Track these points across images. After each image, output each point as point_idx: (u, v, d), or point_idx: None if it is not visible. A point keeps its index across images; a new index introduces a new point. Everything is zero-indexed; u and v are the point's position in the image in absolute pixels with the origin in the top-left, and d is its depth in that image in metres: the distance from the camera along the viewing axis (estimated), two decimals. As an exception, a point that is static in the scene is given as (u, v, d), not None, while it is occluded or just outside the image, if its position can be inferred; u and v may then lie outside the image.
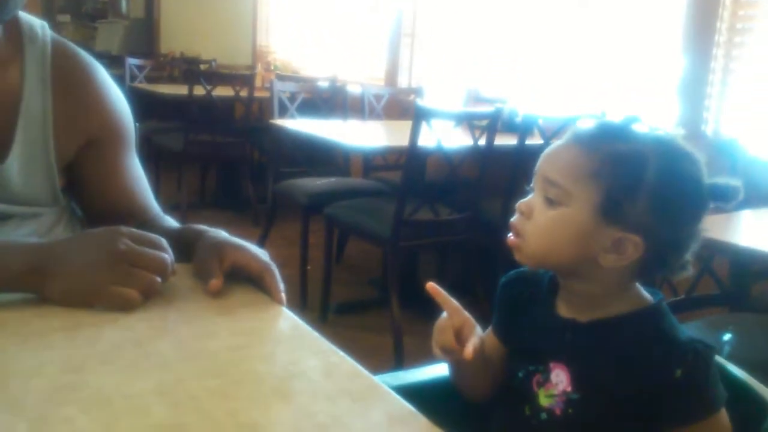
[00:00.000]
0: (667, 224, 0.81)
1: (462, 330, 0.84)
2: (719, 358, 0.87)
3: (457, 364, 0.90)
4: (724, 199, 0.82)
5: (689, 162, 0.82)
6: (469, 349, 0.81)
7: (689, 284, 2.20)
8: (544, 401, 0.86)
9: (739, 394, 0.86)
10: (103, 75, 1.09)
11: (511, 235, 0.87)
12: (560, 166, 0.83)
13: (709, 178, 0.82)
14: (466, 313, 0.85)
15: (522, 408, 0.88)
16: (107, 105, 1.08)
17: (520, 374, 0.89)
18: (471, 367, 0.88)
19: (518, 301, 0.94)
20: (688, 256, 0.84)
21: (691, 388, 0.78)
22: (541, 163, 0.86)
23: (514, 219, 0.87)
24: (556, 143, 0.86)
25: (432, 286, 0.84)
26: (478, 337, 0.84)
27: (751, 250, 1.55)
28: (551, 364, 0.86)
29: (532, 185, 0.87)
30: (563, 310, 0.88)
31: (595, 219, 0.81)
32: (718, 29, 2.91)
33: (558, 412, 0.85)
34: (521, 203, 0.86)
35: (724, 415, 0.80)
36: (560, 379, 0.85)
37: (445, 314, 0.85)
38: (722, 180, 0.81)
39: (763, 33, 2.85)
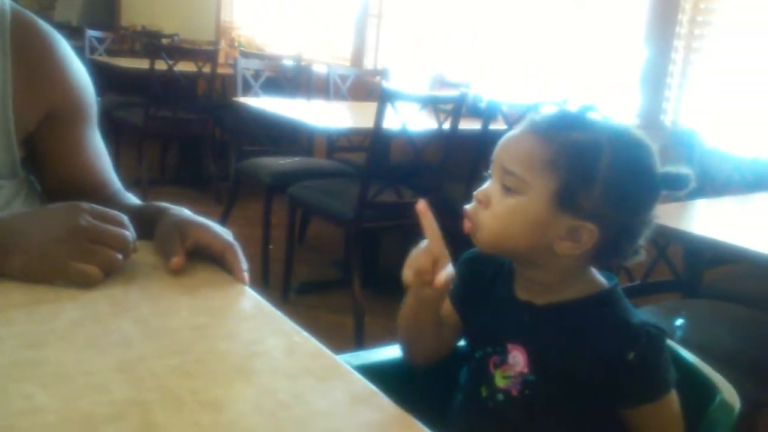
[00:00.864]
0: (621, 212, 0.83)
1: (437, 262, 0.83)
2: (671, 342, 0.90)
3: (419, 299, 0.89)
4: (676, 187, 0.84)
5: (642, 151, 0.84)
6: (441, 277, 0.81)
7: (645, 270, 2.25)
8: (500, 382, 0.88)
9: (689, 377, 0.89)
10: (65, 46, 1.07)
11: (466, 223, 0.87)
12: (517, 155, 0.84)
13: (661, 167, 0.84)
14: (444, 247, 0.84)
15: (478, 389, 0.90)
16: (68, 77, 1.06)
17: (477, 355, 0.90)
18: (428, 311, 0.89)
19: (479, 280, 0.95)
20: (641, 242, 0.86)
21: (643, 370, 0.81)
22: (498, 152, 0.87)
23: (469, 206, 0.87)
24: (512, 131, 0.87)
25: (422, 205, 0.81)
26: (450, 271, 0.83)
27: (705, 239, 1.60)
28: (509, 346, 0.88)
29: (490, 171, 0.88)
30: (521, 293, 0.90)
31: (551, 208, 0.82)
32: (680, 21, 2.96)
33: (514, 393, 0.87)
34: (478, 192, 0.87)
35: (674, 397, 0.82)
36: (517, 360, 0.87)
37: (425, 242, 0.83)
38: (674, 168, 0.84)
39: (723, 27, 2.90)
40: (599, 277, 0.89)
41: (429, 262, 0.82)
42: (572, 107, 0.86)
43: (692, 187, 0.84)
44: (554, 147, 0.82)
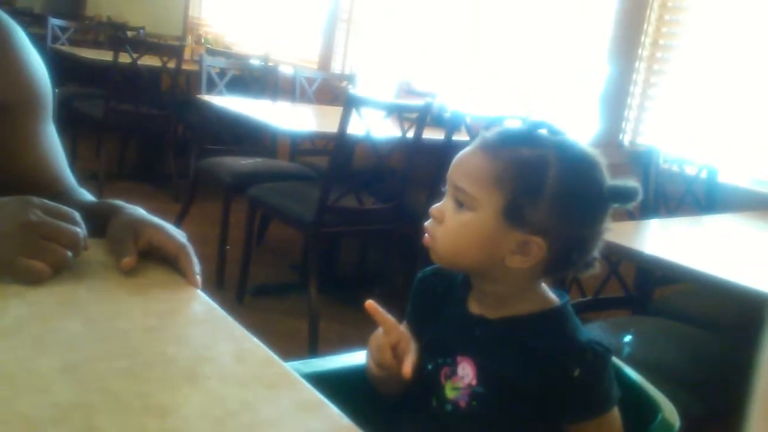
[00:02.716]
0: (569, 225, 0.84)
1: (398, 346, 0.87)
2: (616, 360, 0.92)
3: (390, 377, 0.91)
4: (624, 200, 0.85)
5: (589, 165, 0.86)
6: (408, 367, 0.85)
7: (597, 286, 2.29)
8: (450, 393, 0.89)
9: (632, 395, 0.91)
10: (21, 37, 1.04)
11: (426, 237, 0.89)
12: (467, 172, 0.86)
13: (610, 181, 0.86)
14: (403, 329, 0.89)
15: (429, 399, 0.91)
16: (24, 70, 1.03)
17: (430, 366, 0.91)
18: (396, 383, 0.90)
19: (432, 296, 0.96)
20: (595, 254, 0.88)
21: (587, 386, 0.83)
22: (451, 169, 0.89)
23: (427, 223, 0.89)
24: (465, 149, 0.89)
25: (370, 304, 0.87)
26: (414, 353, 0.87)
27: (655, 258, 1.63)
28: (458, 358, 0.89)
29: (446, 188, 0.89)
30: (474, 307, 0.91)
31: (500, 223, 0.84)
32: (642, 43, 3.02)
33: (462, 404, 0.88)
34: (434, 208, 0.89)
35: (616, 414, 0.84)
36: (466, 372, 0.88)
37: (380, 330, 0.88)
38: (621, 182, 0.85)
39: (684, 50, 2.98)
40: (551, 294, 0.91)
41: (390, 355, 0.87)
42: (523, 124, 0.88)
43: (639, 200, 0.85)
44: (501, 164, 0.84)
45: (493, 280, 0.88)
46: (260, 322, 2.70)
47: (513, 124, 0.89)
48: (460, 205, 0.86)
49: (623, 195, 0.85)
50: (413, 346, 0.88)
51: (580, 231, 0.85)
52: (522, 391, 0.84)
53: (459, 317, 0.92)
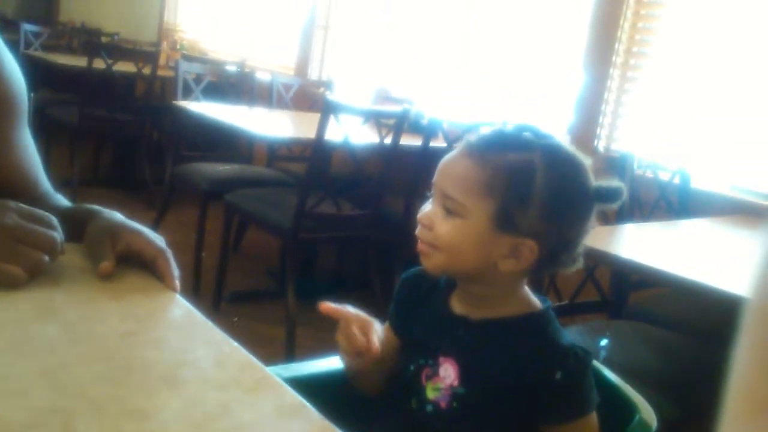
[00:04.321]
0: (559, 227, 0.85)
1: (363, 329, 0.88)
2: (595, 363, 0.93)
3: (364, 364, 0.91)
4: (609, 200, 0.87)
5: (575, 167, 0.87)
6: (375, 343, 0.86)
7: (573, 290, 2.31)
8: (430, 394, 0.89)
9: (610, 396, 0.92)
10: (-3, 40, 1.03)
11: (420, 243, 0.89)
12: (454, 179, 0.86)
13: (594, 181, 0.87)
14: (362, 314, 0.89)
15: (409, 400, 0.91)
16: (-1, 72, 1.02)
17: (412, 367, 0.91)
18: (374, 363, 0.90)
19: (415, 297, 0.97)
20: (580, 250, 0.89)
21: (568, 389, 0.83)
22: (437, 175, 0.88)
23: (417, 231, 0.89)
24: (450, 154, 0.89)
25: (324, 306, 0.88)
26: (377, 331, 0.88)
27: (631, 262, 1.65)
28: (441, 359, 0.89)
29: (431, 192, 0.89)
30: (457, 307, 0.92)
31: (491, 229, 0.84)
32: (616, 51, 3.06)
33: (443, 405, 0.88)
34: (422, 216, 0.89)
35: (594, 418, 0.85)
36: (448, 373, 0.88)
37: (341, 324, 0.89)
38: (606, 182, 0.87)
39: (657, 57, 3.02)
40: (533, 298, 0.91)
41: (362, 340, 0.87)
42: (508, 127, 0.88)
43: (624, 200, 0.87)
44: (489, 170, 0.84)
45: (482, 282, 0.89)
46: (237, 329, 2.68)
47: (498, 127, 0.89)
48: (448, 212, 0.86)
49: (609, 195, 0.86)
50: (376, 326, 0.89)
51: (568, 231, 0.86)
52: (503, 392, 0.85)
53: (442, 318, 0.92)
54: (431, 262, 0.89)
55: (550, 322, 0.89)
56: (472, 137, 0.88)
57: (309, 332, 2.74)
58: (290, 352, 2.57)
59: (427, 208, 0.89)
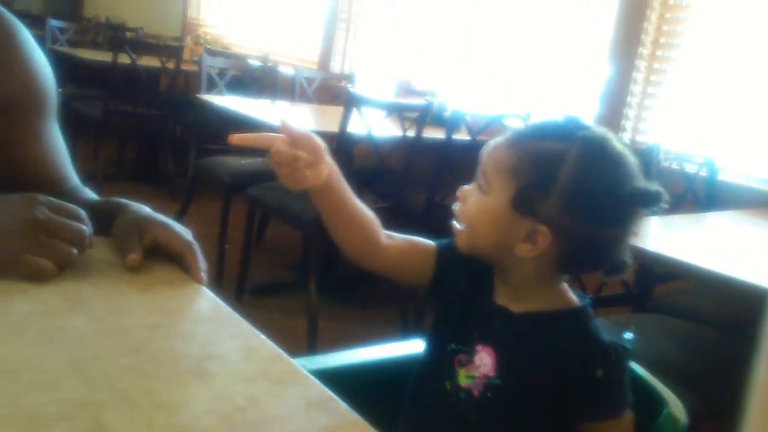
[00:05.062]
0: (581, 223, 0.83)
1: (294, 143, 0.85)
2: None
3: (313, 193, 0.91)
4: (645, 204, 0.84)
5: (614, 165, 0.84)
6: (323, 169, 0.86)
7: (597, 283, 2.29)
8: (463, 381, 0.89)
9: (638, 390, 0.91)
10: (26, 35, 1.04)
11: (454, 222, 0.91)
12: (490, 158, 0.88)
13: (638, 182, 0.83)
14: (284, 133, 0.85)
15: (443, 383, 0.90)
16: (29, 68, 1.03)
17: (449, 348, 0.91)
18: (330, 199, 0.91)
19: (468, 269, 0.94)
20: (626, 259, 0.86)
21: (608, 387, 0.83)
22: (482, 153, 0.90)
23: (455, 205, 0.91)
24: (498, 137, 0.90)
25: (233, 138, 0.85)
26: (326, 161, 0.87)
27: (656, 255, 1.63)
28: (478, 347, 0.89)
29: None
30: (499, 298, 0.91)
31: (509, 210, 0.85)
32: (643, 42, 3.02)
33: (476, 393, 0.88)
34: (460, 189, 0.91)
35: (629, 416, 0.84)
36: (484, 362, 0.88)
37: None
38: (644, 185, 0.83)
39: (685, 48, 2.98)
40: (572, 295, 0.91)
41: (288, 151, 0.84)
42: (555, 118, 0.88)
43: (663, 206, 0.83)
44: (518, 154, 0.85)
45: (507, 269, 0.89)
46: (259, 321, 2.69)
47: (547, 118, 0.90)
48: (480, 188, 0.88)
49: (645, 198, 0.83)
50: (327, 159, 0.88)
51: (593, 230, 0.84)
52: (540, 387, 0.84)
53: (483, 305, 0.92)
54: (459, 239, 0.91)
55: (591, 319, 0.88)
56: (521, 125, 0.89)
57: (331, 325, 2.75)
58: (312, 345, 2.58)
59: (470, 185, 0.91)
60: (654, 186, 0.84)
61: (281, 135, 0.85)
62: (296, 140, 0.85)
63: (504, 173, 0.85)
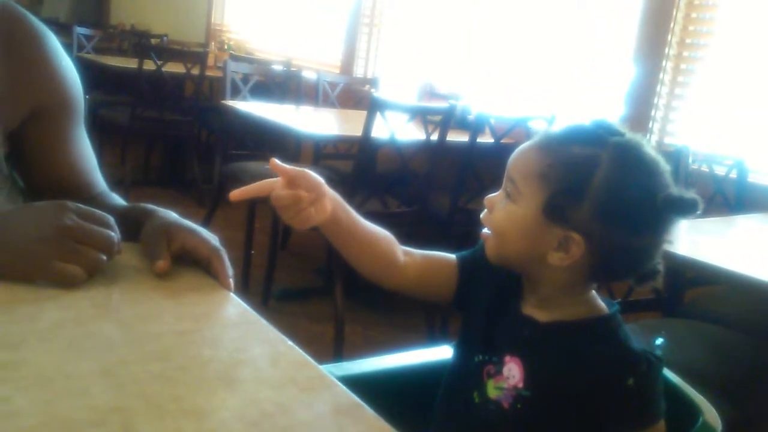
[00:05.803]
0: (614, 230, 0.81)
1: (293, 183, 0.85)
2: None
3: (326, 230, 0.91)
4: (680, 212, 0.81)
5: (647, 171, 0.82)
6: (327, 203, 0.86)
7: (626, 288, 2.26)
8: (492, 392, 0.87)
9: (671, 397, 0.89)
10: (54, 43, 1.06)
11: (484, 230, 0.89)
12: (518, 164, 0.86)
13: (671, 189, 0.81)
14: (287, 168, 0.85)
15: (471, 394, 0.89)
16: (57, 74, 1.04)
17: (477, 359, 0.90)
18: (340, 231, 0.91)
19: (491, 279, 0.93)
20: (658, 266, 0.84)
21: (640, 396, 0.81)
22: (509, 160, 0.88)
23: (483, 214, 0.90)
24: (527, 142, 0.88)
25: (234, 195, 0.85)
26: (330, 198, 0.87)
27: (686, 259, 1.60)
28: (506, 358, 0.87)
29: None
30: (526, 308, 0.90)
31: (540, 218, 0.83)
32: (669, 42, 2.99)
33: (506, 405, 0.86)
34: (487, 198, 0.89)
35: (661, 426, 0.82)
36: (512, 373, 0.86)
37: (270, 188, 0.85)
38: (678, 192, 0.81)
39: (712, 48, 2.94)
40: (600, 302, 0.89)
41: (288, 193, 0.84)
42: (584, 122, 0.86)
43: (698, 214, 0.81)
44: (549, 159, 0.83)
45: (538, 279, 0.87)
46: (285, 326, 2.69)
47: (577, 122, 0.87)
48: (508, 196, 0.86)
49: (679, 206, 0.80)
50: (328, 192, 0.87)
51: (627, 238, 0.82)
52: (571, 397, 0.82)
53: (510, 315, 0.90)
54: (487, 248, 0.89)
55: (620, 326, 0.86)
56: (547, 129, 0.87)
57: (357, 330, 2.75)
58: (338, 350, 2.58)
59: (496, 193, 0.89)
60: (689, 193, 0.81)
61: (277, 178, 0.85)
62: (293, 180, 0.85)
63: (534, 180, 0.83)
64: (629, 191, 0.81)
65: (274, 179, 0.85)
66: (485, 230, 0.89)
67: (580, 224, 0.81)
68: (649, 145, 0.85)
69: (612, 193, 0.80)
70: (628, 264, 0.84)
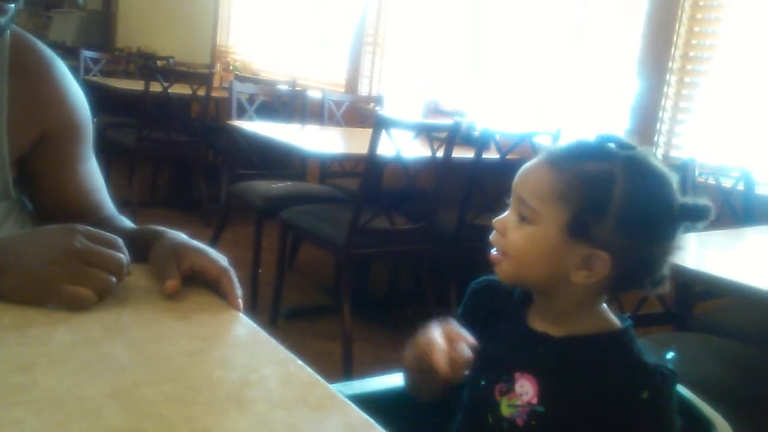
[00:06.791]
0: (636, 243, 0.82)
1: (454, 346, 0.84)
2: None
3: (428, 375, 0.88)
4: (695, 218, 0.83)
5: (658, 182, 0.83)
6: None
7: (636, 302, 2.25)
8: (505, 411, 0.87)
9: (684, 412, 0.89)
10: (63, 68, 1.07)
11: (494, 251, 0.88)
12: (530, 185, 0.85)
13: (680, 198, 0.83)
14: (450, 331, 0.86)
15: (485, 416, 0.89)
16: (65, 99, 1.06)
17: (483, 382, 0.90)
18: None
19: (487, 309, 0.94)
20: (666, 273, 0.85)
21: (655, 410, 0.80)
22: (515, 181, 0.87)
23: (491, 236, 0.88)
24: (530, 161, 0.88)
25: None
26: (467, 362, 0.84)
27: (696, 272, 1.60)
28: (516, 374, 0.87)
29: (510, 200, 0.88)
30: (536, 323, 0.90)
31: (564, 237, 0.82)
32: (672, 56, 3.00)
33: (520, 422, 0.86)
34: (496, 221, 0.88)
35: None
36: (525, 390, 0.86)
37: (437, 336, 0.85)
38: (692, 199, 0.82)
39: (716, 60, 2.95)
40: (612, 316, 0.89)
41: (442, 366, 0.83)
42: (590, 137, 0.86)
43: (711, 218, 0.82)
44: (566, 177, 0.83)
45: (555, 296, 0.87)
46: (294, 345, 2.69)
47: (581, 138, 0.87)
48: (522, 218, 0.85)
49: (694, 213, 0.82)
50: (466, 348, 0.84)
51: (647, 248, 0.82)
52: (586, 412, 0.82)
53: (518, 333, 0.90)
54: (502, 270, 0.87)
55: (633, 341, 0.86)
56: (553, 146, 0.87)
57: (365, 348, 2.74)
58: (347, 368, 2.57)
59: (504, 215, 0.88)
60: (701, 200, 0.83)
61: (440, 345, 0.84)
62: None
63: (552, 200, 0.82)
64: (648, 203, 0.82)
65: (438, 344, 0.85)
66: (495, 252, 0.88)
67: (604, 240, 0.81)
68: (655, 157, 0.86)
69: (632, 206, 0.81)
70: (646, 272, 0.84)
